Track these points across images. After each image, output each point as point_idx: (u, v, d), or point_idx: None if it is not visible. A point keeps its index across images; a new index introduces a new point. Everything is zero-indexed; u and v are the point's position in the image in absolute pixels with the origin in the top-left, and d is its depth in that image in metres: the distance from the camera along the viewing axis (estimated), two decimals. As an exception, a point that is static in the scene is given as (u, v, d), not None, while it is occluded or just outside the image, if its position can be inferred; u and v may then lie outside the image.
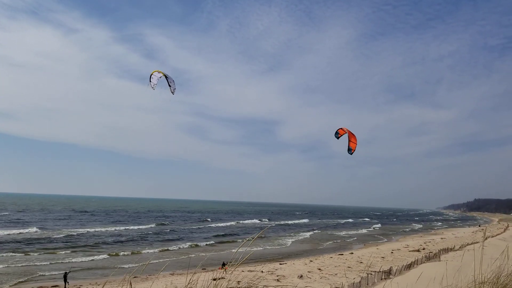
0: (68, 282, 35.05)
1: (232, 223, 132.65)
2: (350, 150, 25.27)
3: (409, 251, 65.92)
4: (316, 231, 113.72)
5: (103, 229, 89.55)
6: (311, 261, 53.31)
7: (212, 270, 38.77)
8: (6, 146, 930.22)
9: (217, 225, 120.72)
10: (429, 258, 51.87)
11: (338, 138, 25.18)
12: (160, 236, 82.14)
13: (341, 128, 25.34)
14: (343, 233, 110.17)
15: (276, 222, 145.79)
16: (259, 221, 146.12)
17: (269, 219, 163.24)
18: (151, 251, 61.13)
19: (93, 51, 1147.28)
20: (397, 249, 67.80)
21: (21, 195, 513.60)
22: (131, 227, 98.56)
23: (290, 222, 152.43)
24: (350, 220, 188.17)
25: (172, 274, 42.28)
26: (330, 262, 52.49)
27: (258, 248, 65.54)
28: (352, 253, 62.86)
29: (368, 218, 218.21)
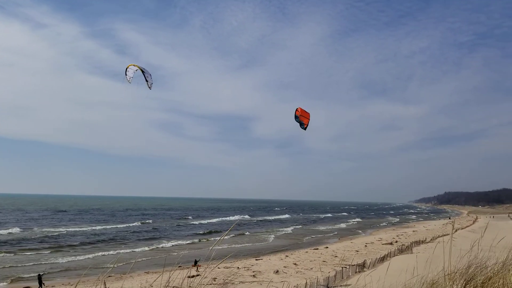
0: (44, 284, 34.19)
1: (213, 220, 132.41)
2: (303, 125, 25.45)
3: (382, 244, 67.15)
4: (297, 226, 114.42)
5: (80, 229, 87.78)
6: (287, 256, 53.67)
7: (187, 268, 38.61)
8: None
9: (198, 222, 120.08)
10: (401, 250, 52.98)
11: (299, 121, 25.37)
12: (139, 235, 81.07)
13: (297, 110, 25.46)
14: (323, 227, 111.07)
15: (256, 218, 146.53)
16: (239, 217, 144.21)
17: (249, 215, 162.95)
18: (129, 250, 60.22)
19: (63, 47, 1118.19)
20: (371, 243, 68.97)
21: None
22: (110, 226, 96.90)
23: (269, 218, 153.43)
24: (329, 215, 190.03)
25: (148, 273, 41.85)
26: (305, 256, 52.96)
27: (236, 245, 65.50)
28: (327, 247, 63.60)
29: (345, 212, 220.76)
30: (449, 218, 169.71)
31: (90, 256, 54.15)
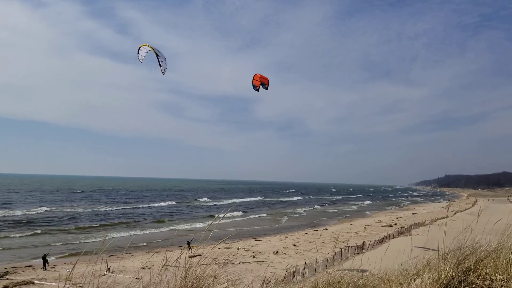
0: (48, 263, 34.47)
1: (229, 201, 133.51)
2: (264, 85, 25.41)
3: (382, 226, 67.69)
4: (275, 209, 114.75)
5: (94, 209, 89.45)
6: (286, 237, 54.18)
7: (188, 248, 39.08)
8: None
9: (213, 204, 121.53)
10: (400, 232, 53.46)
11: (258, 90, 25.32)
12: (145, 215, 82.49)
13: (255, 80, 25.33)
14: (304, 209, 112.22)
15: (239, 200, 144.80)
16: (210, 199, 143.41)
17: (234, 197, 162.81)
18: (146, 231, 61.18)
19: (63, 26, 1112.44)
20: (370, 225, 69.52)
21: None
22: (115, 207, 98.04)
23: (253, 199, 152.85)
24: (312, 196, 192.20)
25: (149, 252, 42.35)
26: (305, 238, 53.48)
27: (255, 227, 66.03)
28: (327, 229, 64.12)
29: (330, 195, 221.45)
30: (449, 201, 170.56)
31: (96, 235, 54.91)
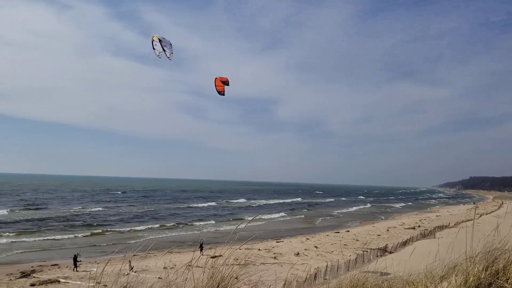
0: (80, 261, 34.75)
1: (229, 201, 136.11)
2: (226, 83, 25.18)
3: (405, 228, 66.72)
4: (314, 209, 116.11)
5: (100, 208, 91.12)
6: (307, 239, 53.92)
7: (210, 248, 39.18)
8: (2, 127, 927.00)
9: (223, 204, 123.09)
10: (424, 235, 52.56)
11: (223, 94, 25.12)
12: (161, 215, 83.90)
13: (217, 86, 25.07)
14: (337, 211, 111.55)
15: (272, 201, 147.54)
16: (249, 200, 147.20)
17: (265, 198, 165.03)
18: (156, 230, 62.89)
19: (88, 29, 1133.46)
20: (393, 227, 68.61)
21: (12, 176, 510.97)
22: (139, 207, 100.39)
23: (286, 200, 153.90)
24: (344, 198, 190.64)
25: (171, 252, 42.73)
26: (326, 240, 53.13)
27: (255, 224, 66.02)
28: (348, 231, 63.55)
29: (362, 196, 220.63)
30: (474, 203, 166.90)
31: (115, 234, 55.86)
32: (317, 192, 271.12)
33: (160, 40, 21.86)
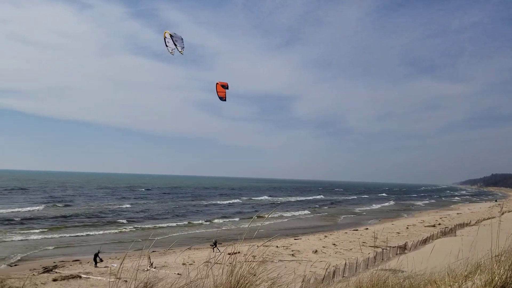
0: (101, 259, 35.26)
1: (251, 198, 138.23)
2: (225, 87, 25.02)
3: (425, 226, 65.88)
4: (336, 206, 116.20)
5: (127, 205, 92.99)
6: (325, 236, 53.69)
7: (229, 245, 39.23)
8: (22, 125, 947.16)
9: (236, 201, 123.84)
10: (444, 233, 51.81)
11: (225, 100, 24.98)
12: (184, 212, 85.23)
13: (219, 92, 24.88)
14: (359, 208, 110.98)
15: (292, 198, 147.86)
16: (272, 197, 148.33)
17: (286, 195, 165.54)
18: (174, 225, 64.34)
19: (108, 28, 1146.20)
20: (413, 225, 67.81)
21: (37, 173, 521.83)
22: (163, 204, 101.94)
23: (308, 198, 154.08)
24: (366, 196, 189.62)
25: (190, 249, 43.05)
26: (344, 237, 52.80)
27: (275, 222, 66.06)
28: (367, 228, 63.05)
29: (385, 193, 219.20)
30: (495, 201, 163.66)
31: (136, 230, 56.68)
32: (337, 189, 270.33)
33: (171, 36, 21.89)
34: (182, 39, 22.26)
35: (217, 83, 25.08)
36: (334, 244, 46.77)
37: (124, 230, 57.44)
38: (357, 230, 60.75)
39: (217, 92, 24.95)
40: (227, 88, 25.21)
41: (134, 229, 58.62)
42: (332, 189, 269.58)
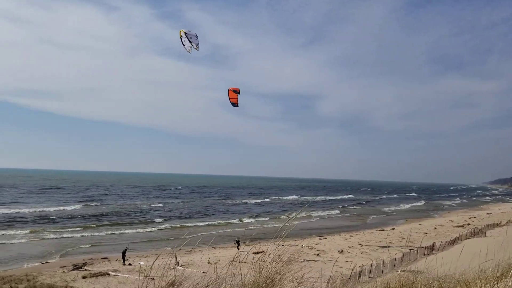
0: (127, 257, 35.78)
1: (279, 197, 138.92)
2: (237, 92, 24.71)
3: (453, 226, 64.51)
4: (364, 206, 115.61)
5: (159, 204, 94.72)
6: (351, 236, 53.19)
7: (253, 244, 39.49)
8: (52, 125, 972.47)
9: (264, 200, 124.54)
10: (474, 233, 50.62)
11: (237, 105, 24.68)
12: (213, 211, 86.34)
13: (231, 98, 24.53)
14: (388, 208, 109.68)
15: (320, 198, 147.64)
16: (301, 197, 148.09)
17: (314, 195, 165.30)
18: (202, 224, 65.20)
19: (134, 29, 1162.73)
20: (441, 225, 66.49)
21: (65, 172, 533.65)
22: (194, 203, 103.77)
23: (337, 197, 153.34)
24: (396, 195, 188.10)
25: (215, 248, 43.35)
26: (371, 237, 52.18)
27: (304, 221, 65.72)
28: (394, 228, 62.16)
29: (414, 193, 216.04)
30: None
31: (165, 230, 57.49)
32: (363, 189, 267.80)
33: (186, 34, 22.03)
34: (196, 36, 22.45)
35: (229, 89, 25.17)
36: (360, 244, 46.29)
37: (154, 229, 58.39)
38: (383, 230, 59.95)
39: (229, 98, 25.07)
40: (239, 93, 25.30)
41: (164, 228, 59.53)
42: (359, 188, 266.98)
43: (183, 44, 22.11)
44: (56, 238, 48.42)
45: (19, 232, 50.11)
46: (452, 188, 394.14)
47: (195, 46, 22.35)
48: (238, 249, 40.35)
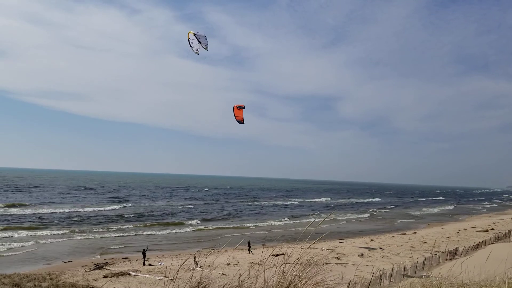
0: (147, 257, 36.05)
1: (304, 200, 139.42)
2: (241, 107, 24.49)
3: (477, 231, 63.19)
4: (393, 209, 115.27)
5: (190, 205, 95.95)
6: (372, 240, 52.58)
7: (272, 247, 39.31)
8: (75, 126, 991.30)
9: (290, 202, 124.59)
10: (498, 238, 49.53)
11: (243, 122, 24.50)
12: (241, 213, 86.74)
13: (237, 116, 24.28)
14: (417, 212, 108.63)
15: (347, 200, 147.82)
16: (328, 200, 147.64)
17: (340, 198, 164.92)
18: (227, 226, 65.50)
19: (155, 31, 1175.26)
20: (464, 229, 65.19)
21: (89, 173, 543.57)
22: (223, 205, 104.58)
23: (364, 200, 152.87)
24: (423, 199, 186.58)
25: (234, 249, 43.39)
26: (392, 241, 51.49)
27: (331, 225, 65.16)
28: (416, 232, 61.20)
29: (441, 197, 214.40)
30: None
31: (192, 230, 58.47)
32: (387, 192, 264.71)
33: (195, 35, 22.16)
34: (205, 36, 22.59)
35: (234, 106, 25.19)
36: (381, 248, 45.72)
37: (181, 230, 59.05)
38: (405, 234, 59.10)
39: (234, 116, 25.09)
40: (244, 108, 25.29)
41: (191, 230, 59.82)
42: (383, 192, 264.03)
43: (191, 46, 22.33)
44: (86, 238, 49.20)
45: (53, 232, 50.93)
46: (477, 191, 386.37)
47: (204, 46, 22.50)
48: (249, 251, 41.01)
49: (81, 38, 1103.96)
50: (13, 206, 73.75)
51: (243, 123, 25.31)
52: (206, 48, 23.14)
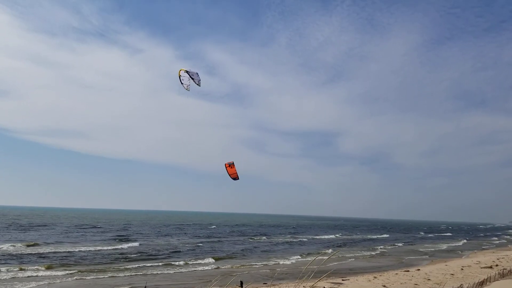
0: None
1: (313, 236, 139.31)
2: (235, 179, 25.63)
3: (481, 267, 63.09)
4: (402, 246, 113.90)
5: (199, 243, 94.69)
6: (375, 277, 52.73)
7: (272, 285, 39.95)
8: (80, 165, 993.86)
9: (299, 239, 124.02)
10: (503, 275, 49.63)
11: (238, 178, 25.59)
12: (247, 251, 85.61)
13: (231, 175, 25.40)
14: (426, 248, 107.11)
15: (356, 237, 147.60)
16: (337, 236, 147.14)
17: (347, 234, 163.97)
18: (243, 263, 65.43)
19: (157, 70, 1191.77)
20: (468, 266, 65.12)
21: (91, 210, 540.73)
22: (234, 242, 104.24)
23: (373, 236, 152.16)
24: (431, 235, 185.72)
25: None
26: (395, 278, 51.66)
27: (340, 262, 65.10)
28: (419, 269, 61.21)
29: (449, 233, 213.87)
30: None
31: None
32: (394, 228, 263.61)
33: (187, 72, 23.20)
34: (197, 73, 23.71)
35: (225, 165, 26.51)
36: (384, 286, 45.85)
37: (192, 268, 58.58)
38: (408, 271, 59.12)
39: (229, 174, 26.35)
40: (233, 164, 26.55)
41: (200, 269, 58.73)
42: (388, 228, 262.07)
43: (182, 82, 23.34)
44: (96, 278, 48.07)
45: (67, 272, 50.53)
46: (482, 227, 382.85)
47: (196, 82, 23.50)
48: None
49: (85, 77, 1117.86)
50: (27, 245, 73.85)
51: (238, 179, 26.54)
52: (198, 84, 23.79)
